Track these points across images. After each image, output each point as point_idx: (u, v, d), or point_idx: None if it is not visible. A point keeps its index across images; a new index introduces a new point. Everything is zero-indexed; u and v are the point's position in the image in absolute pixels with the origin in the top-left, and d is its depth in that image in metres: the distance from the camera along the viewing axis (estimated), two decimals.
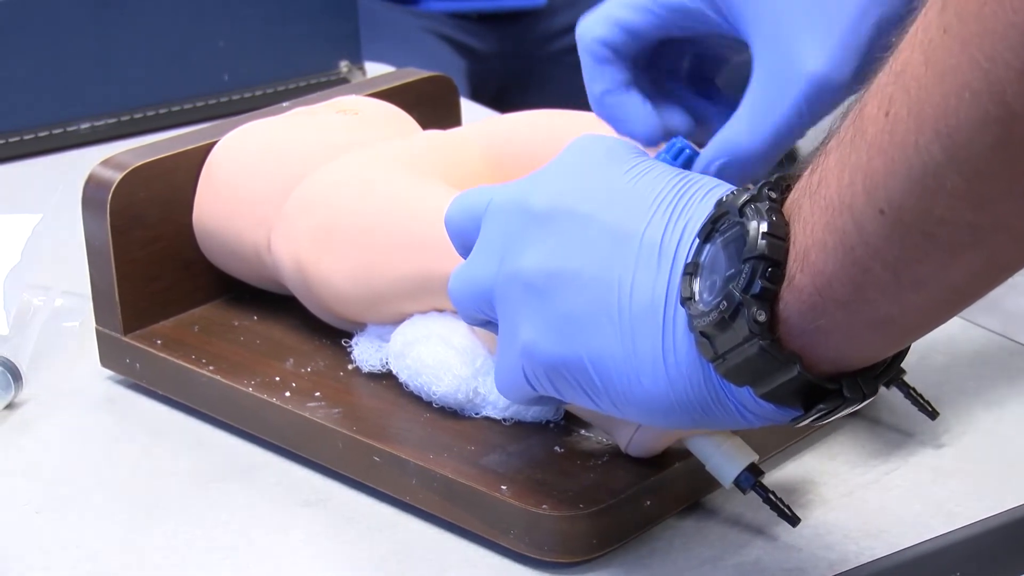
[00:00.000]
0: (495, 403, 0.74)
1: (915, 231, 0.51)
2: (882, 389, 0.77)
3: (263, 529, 0.72)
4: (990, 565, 0.71)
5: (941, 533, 0.70)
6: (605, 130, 0.83)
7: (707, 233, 0.58)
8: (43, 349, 0.87)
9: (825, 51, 0.67)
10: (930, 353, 0.85)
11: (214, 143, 0.85)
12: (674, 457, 0.70)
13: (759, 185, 0.58)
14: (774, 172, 0.59)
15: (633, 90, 0.73)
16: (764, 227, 0.56)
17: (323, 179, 0.81)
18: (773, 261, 0.55)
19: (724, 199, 0.58)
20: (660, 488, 0.69)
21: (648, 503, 0.69)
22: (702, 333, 0.57)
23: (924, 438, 0.77)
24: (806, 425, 0.58)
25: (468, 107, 1.07)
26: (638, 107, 0.73)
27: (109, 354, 0.84)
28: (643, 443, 0.69)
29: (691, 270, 0.58)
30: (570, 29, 1.94)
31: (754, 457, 0.68)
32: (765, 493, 0.68)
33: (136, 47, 1.22)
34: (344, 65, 1.31)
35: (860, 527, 0.70)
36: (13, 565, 0.70)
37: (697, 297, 0.58)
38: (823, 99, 0.67)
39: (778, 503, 0.68)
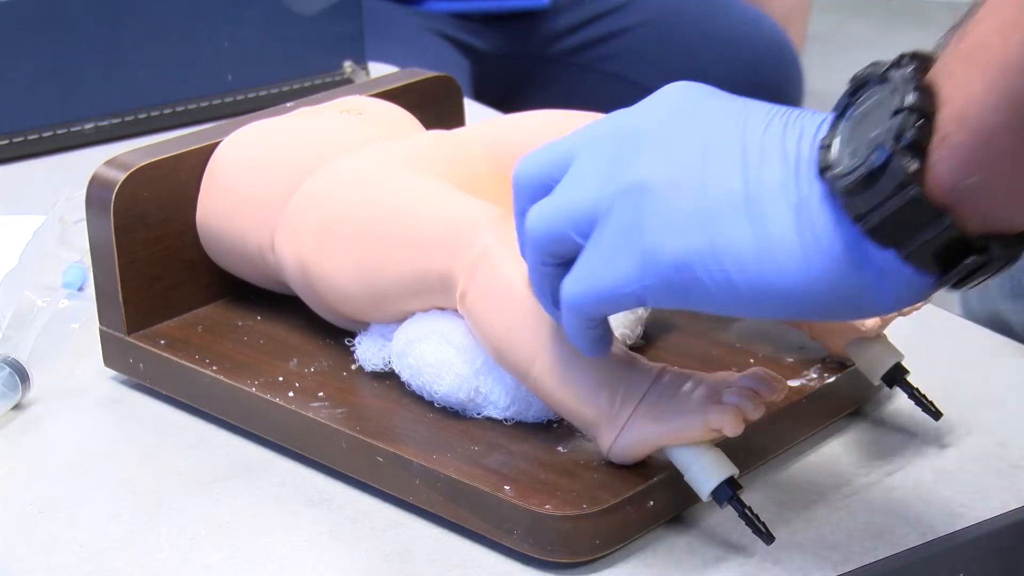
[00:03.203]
0: (496, 403, 0.74)
1: None
2: (885, 389, 0.78)
3: (266, 529, 0.72)
4: (994, 566, 0.71)
5: (945, 534, 0.70)
6: None
7: (843, 108, 0.59)
8: (47, 349, 0.87)
9: None
10: (933, 354, 0.84)
11: (218, 143, 0.86)
12: None
13: (897, 57, 0.59)
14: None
15: None
16: (912, 83, 0.57)
17: (326, 179, 0.81)
18: (924, 114, 0.56)
19: (859, 74, 0.60)
20: (663, 488, 0.69)
21: (651, 503, 0.69)
22: (848, 192, 0.58)
23: (927, 438, 0.77)
24: (941, 290, 0.59)
25: (472, 107, 1.07)
26: None
27: (112, 354, 0.84)
28: (623, 449, 0.69)
29: (827, 142, 0.59)
30: (574, 30, 1.95)
31: (733, 471, 0.68)
32: (741, 508, 0.68)
33: (140, 47, 1.22)
34: (348, 65, 1.31)
35: (863, 528, 0.70)
36: (16, 564, 0.70)
37: (836, 165, 0.58)
38: None
39: (753, 519, 0.68)
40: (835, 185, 0.58)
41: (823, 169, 0.59)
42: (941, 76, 0.57)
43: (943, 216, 0.56)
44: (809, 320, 0.63)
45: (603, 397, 0.69)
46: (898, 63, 0.58)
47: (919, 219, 0.57)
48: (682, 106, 0.64)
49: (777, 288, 0.60)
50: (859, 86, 0.60)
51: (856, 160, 0.58)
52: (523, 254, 0.69)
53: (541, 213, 0.66)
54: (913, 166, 0.56)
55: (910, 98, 0.56)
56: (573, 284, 0.66)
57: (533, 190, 0.68)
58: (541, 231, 0.66)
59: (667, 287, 0.62)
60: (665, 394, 0.68)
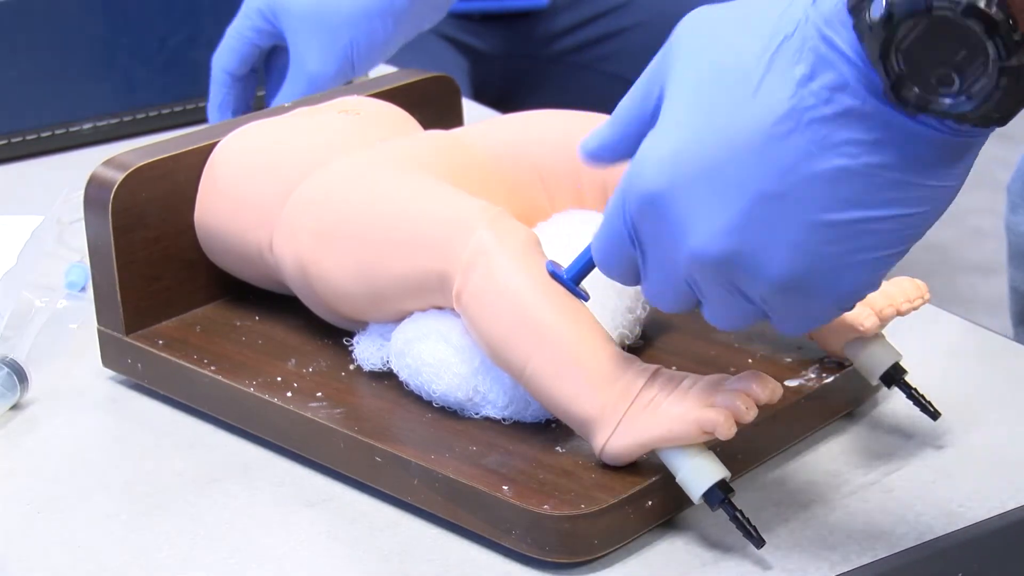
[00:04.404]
0: (494, 402, 0.74)
1: None
2: (883, 389, 0.78)
3: (265, 529, 0.72)
4: (993, 566, 0.71)
5: (943, 534, 0.70)
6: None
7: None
8: (45, 349, 0.87)
9: (319, 59, 1.04)
10: (932, 354, 0.85)
11: (216, 143, 0.86)
12: None
13: None
14: None
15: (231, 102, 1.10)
16: None
17: (324, 179, 0.81)
18: None
19: None
20: (662, 489, 0.69)
21: (650, 504, 0.69)
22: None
23: (926, 438, 0.77)
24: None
25: (470, 107, 1.07)
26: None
27: (111, 354, 0.84)
28: (616, 450, 0.69)
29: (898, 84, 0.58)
30: (572, 30, 1.94)
31: (725, 474, 0.68)
32: (733, 511, 0.68)
33: (138, 47, 1.22)
34: None
35: (862, 527, 0.70)
36: (15, 565, 0.70)
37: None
38: (317, 86, 1.04)
39: (744, 523, 0.67)
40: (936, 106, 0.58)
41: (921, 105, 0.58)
42: None
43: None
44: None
45: (596, 397, 0.69)
46: None
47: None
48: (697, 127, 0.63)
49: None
50: None
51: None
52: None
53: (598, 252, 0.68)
54: (1001, 15, 0.55)
55: None
56: (651, 299, 0.67)
57: (627, 259, 0.67)
58: (604, 262, 0.68)
59: (735, 260, 0.62)
60: (658, 396, 0.68)
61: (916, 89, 0.58)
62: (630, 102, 0.66)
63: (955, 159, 0.60)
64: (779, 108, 0.60)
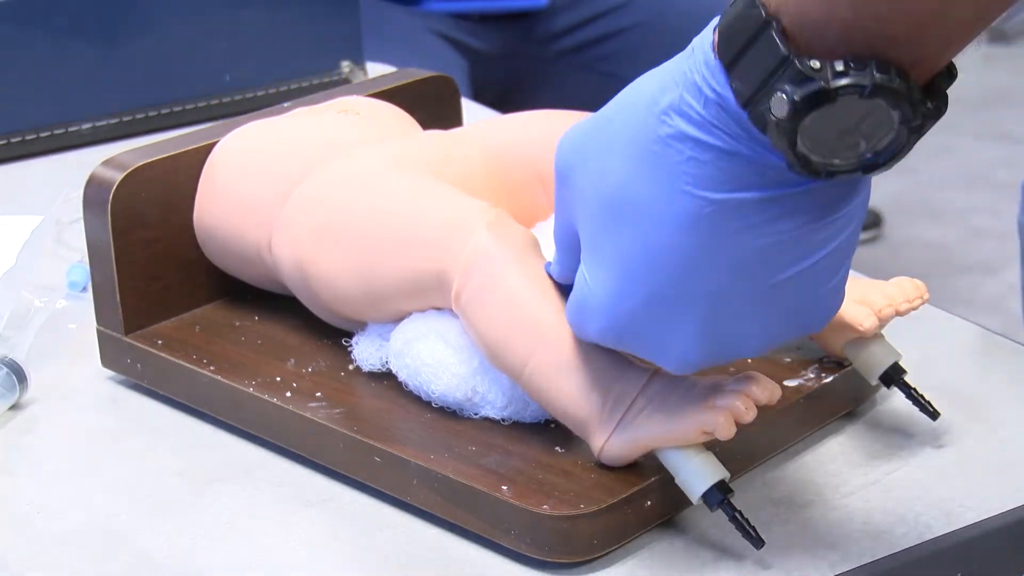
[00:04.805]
0: (493, 403, 0.74)
1: None
2: (882, 389, 0.78)
3: (264, 529, 0.72)
4: (992, 566, 0.71)
5: (942, 534, 0.70)
6: None
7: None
8: (45, 350, 0.87)
9: None
10: (931, 353, 0.85)
11: (215, 143, 0.86)
12: None
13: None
14: None
15: None
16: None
17: (324, 179, 0.81)
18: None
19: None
20: (661, 488, 0.69)
21: (649, 503, 0.69)
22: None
23: (925, 438, 0.77)
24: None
25: (469, 107, 1.07)
26: None
27: (110, 354, 0.84)
28: (615, 451, 0.69)
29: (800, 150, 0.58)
30: (572, 30, 1.94)
31: (724, 475, 0.68)
32: (732, 512, 0.68)
33: (138, 47, 1.23)
34: (345, 65, 1.31)
35: (861, 527, 0.70)
36: (14, 565, 0.70)
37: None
38: None
39: (744, 523, 0.67)
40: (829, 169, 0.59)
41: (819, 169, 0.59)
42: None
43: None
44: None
45: (595, 398, 0.69)
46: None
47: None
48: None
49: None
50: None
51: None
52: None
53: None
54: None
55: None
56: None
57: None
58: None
59: (717, 351, 0.65)
60: (657, 396, 0.68)
61: (824, 161, 0.59)
62: (561, 251, 0.70)
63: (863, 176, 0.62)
64: (683, 225, 0.61)
